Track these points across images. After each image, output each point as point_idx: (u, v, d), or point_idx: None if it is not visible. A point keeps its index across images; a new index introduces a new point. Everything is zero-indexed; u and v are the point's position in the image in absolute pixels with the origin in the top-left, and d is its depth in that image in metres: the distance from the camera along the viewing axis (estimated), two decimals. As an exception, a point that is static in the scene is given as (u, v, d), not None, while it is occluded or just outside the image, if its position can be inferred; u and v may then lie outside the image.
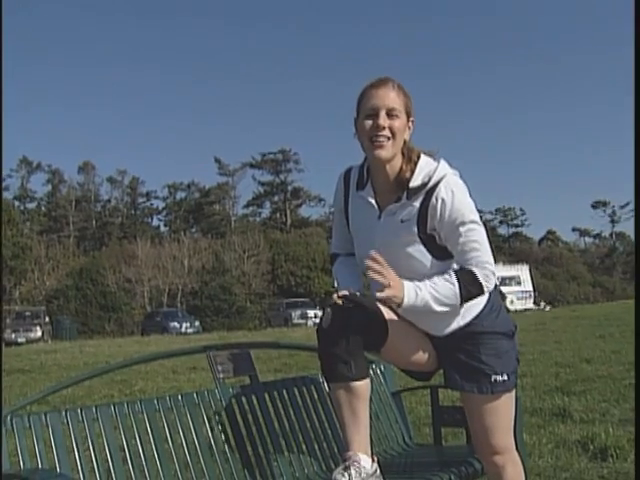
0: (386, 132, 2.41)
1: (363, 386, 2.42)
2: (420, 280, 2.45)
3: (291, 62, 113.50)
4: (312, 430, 2.99)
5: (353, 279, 2.66)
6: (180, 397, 2.65)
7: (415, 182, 2.44)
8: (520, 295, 42.44)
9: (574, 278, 67.20)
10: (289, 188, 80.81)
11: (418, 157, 2.49)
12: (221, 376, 2.77)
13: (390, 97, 2.43)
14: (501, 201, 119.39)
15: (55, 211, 77.81)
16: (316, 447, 2.94)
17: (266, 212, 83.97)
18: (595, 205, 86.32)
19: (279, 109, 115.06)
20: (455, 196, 2.41)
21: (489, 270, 2.44)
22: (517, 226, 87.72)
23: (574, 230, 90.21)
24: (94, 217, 79.82)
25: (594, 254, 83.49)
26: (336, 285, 2.64)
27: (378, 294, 2.33)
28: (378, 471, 2.38)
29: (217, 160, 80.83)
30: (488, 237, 2.51)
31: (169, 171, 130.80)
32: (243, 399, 2.83)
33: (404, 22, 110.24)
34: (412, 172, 2.45)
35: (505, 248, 78.67)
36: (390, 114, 2.42)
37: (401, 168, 2.48)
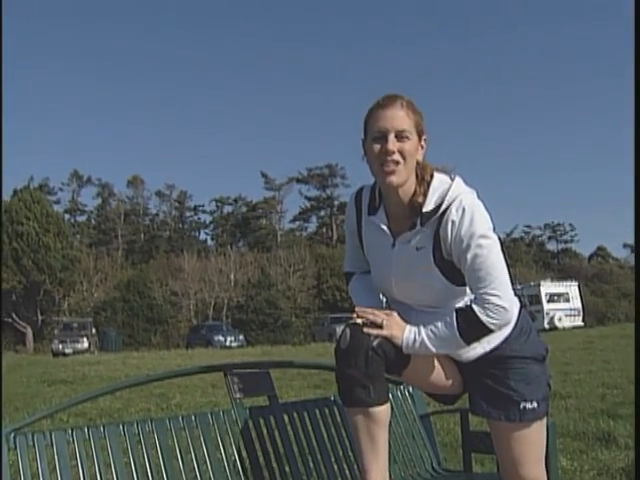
0: (396, 156, 2.25)
1: (382, 412, 2.28)
2: (445, 309, 2.33)
3: (339, 76, 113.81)
4: (333, 454, 2.85)
5: (372, 297, 2.52)
6: (194, 417, 2.54)
7: (428, 206, 2.28)
8: (569, 312, 41.63)
9: (625, 295, 65.69)
10: (335, 203, 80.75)
11: (431, 177, 2.32)
12: (238, 396, 2.66)
13: (399, 118, 2.26)
14: (550, 216, 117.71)
15: (104, 224, 79.03)
16: (337, 472, 2.81)
17: (312, 227, 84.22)
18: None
19: (326, 123, 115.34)
20: (465, 217, 2.23)
21: (493, 304, 2.22)
22: (566, 242, 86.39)
23: (625, 246, 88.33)
24: (142, 230, 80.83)
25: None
26: (354, 304, 2.50)
27: (374, 332, 2.24)
28: None
29: (264, 174, 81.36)
30: (506, 260, 2.31)
31: (216, 185, 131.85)
32: (260, 420, 2.71)
33: (447, 40, 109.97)
34: (425, 195, 2.29)
35: (554, 264, 77.51)
36: (400, 136, 2.26)
37: (415, 192, 2.31)
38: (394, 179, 2.26)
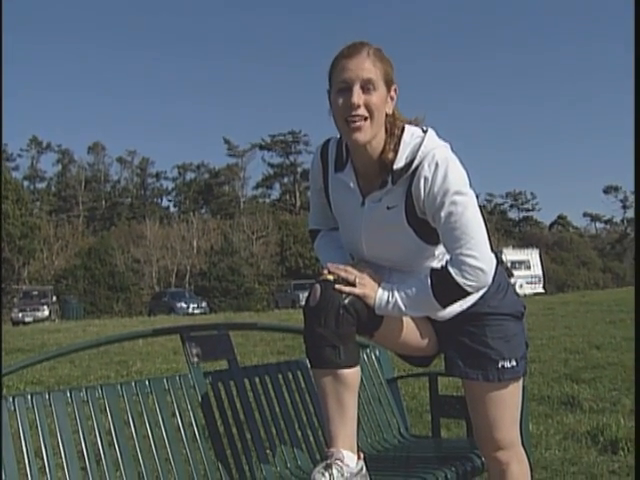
0: (362, 111, 2.05)
1: (352, 374, 2.12)
2: (419, 269, 2.20)
3: (301, 43, 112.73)
4: (297, 420, 2.70)
5: (339, 255, 2.36)
6: (148, 382, 2.37)
7: (399, 163, 2.10)
8: (530, 279, 42.15)
9: (584, 263, 66.76)
10: (299, 170, 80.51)
11: (402, 131, 2.13)
12: (195, 360, 2.50)
13: (364, 67, 2.05)
14: (512, 185, 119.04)
15: (65, 191, 77.86)
16: (300, 439, 2.67)
17: (275, 194, 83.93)
18: (607, 190, 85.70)
19: (289, 90, 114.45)
20: (438, 172, 2.06)
21: (469, 265, 2.07)
22: (528, 210, 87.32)
23: (585, 215, 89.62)
24: (103, 197, 79.82)
25: (605, 239, 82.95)
26: (321, 262, 2.34)
27: (347, 289, 2.10)
28: (364, 469, 2.12)
29: (226, 141, 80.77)
30: (485, 219, 2.14)
31: (179, 152, 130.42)
32: (219, 385, 2.55)
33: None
34: (396, 151, 2.11)
35: (515, 232, 78.32)
36: (366, 88, 2.05)
37: (384, 147, 2.13)
38: (360, 136, 2.07)
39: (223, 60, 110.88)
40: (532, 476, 3.47)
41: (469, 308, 2.28)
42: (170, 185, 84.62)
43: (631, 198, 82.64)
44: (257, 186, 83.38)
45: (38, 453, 2.05)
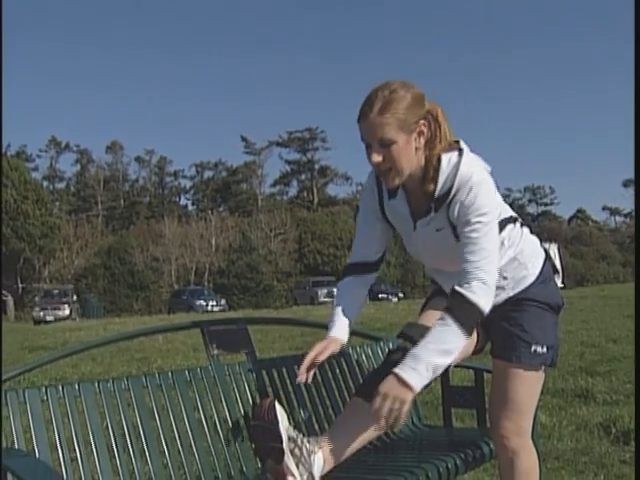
0: (384, 165, 2.25)
1: None
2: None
3: (317, 39, 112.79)
4: (314, 412, 2.83)
5: (351, 311, 2.52)
6: (170, 374, 2.51)
7: (440, 192, 2.30)
8: (548, 274, 42.03)
9: (604, 257, 66.35)
10: (316, 166, 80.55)
11: (439, 160, 2.30)
12: (215, 352, 2.63)
13: (376, 127, 2.21)
14: (530, 179, 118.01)
15: (84, 191, 78.32)
16: (318, 431, 2.78)
17: (293, 191, 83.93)
18: (626, 184, 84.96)
19: (306, 87, 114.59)
20: (470, 195, 2.25)
21: (478, 279, 2.23)
22: (546, 205, 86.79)
23: (604, 209, 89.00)
24: (122, 197, 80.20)
25: (624, 233, 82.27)
26: (330, 316, 2.52)
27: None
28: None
29: (244, 138, 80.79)
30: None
31: (196, 150, 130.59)
32: (238, 377, 2.68)
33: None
34: (436, 181, 2.30)
35: (534, 227, 77.29)
36: (382, 144, 2.22)
37: (425, 177, 2.32)
38: (391, 183, 2.30)
39: (239, 57, 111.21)
40: (544, 466, 3.59)
41: (515, 295, 2.47)
42: (188, 184, 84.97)
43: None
44: (275, 183, 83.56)
45: (70, 442, 2.18)
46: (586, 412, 5.30)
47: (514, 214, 2.55)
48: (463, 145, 2.33)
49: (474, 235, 2.25)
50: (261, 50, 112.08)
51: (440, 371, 2.21)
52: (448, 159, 2.30)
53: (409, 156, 2.26)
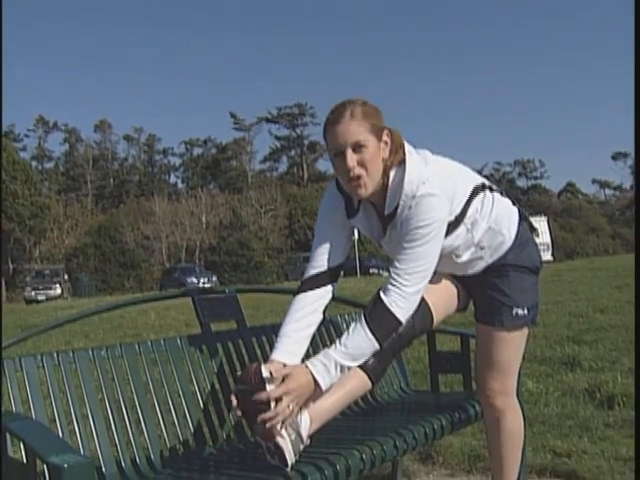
0: (358, 170, 2.25)
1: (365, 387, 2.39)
2: (471, 264, 2.52)
3: (306, 14, 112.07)
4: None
5: (301, 332, 2.36)
6: (163, 341, 2.57)
7: (388, 211, 2.35)
8: (538, 247, 42.08)
9: (593, 230, 66.69)
10: (305, 142, 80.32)
11: (387, 177, 2.34)
12: (206, 320, 2.69)
13: (350, 131, 2.23)
14: (520, 153, 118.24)
15: (73, 170, 77.93)
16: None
17: (283, 167, 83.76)
18: (615, 157, 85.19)
19: (294, 62, 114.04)
20: (410, 211, 2.28)
21: (400, 292, 2.27)
22: (536, 178, 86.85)
23: (594, 182, 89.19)
24: (112, 175, 79.88)
25: (614, 206, 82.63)
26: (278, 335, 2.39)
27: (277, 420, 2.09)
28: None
29: (233, 115, 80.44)
30: None
31: (185, 127, 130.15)
32: (229, 343, 2.75)
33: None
34: (384, 198, 2.35)
35: (524, 200, 78.07)
36: (356, 148, 2.24)
37: (380, 193, 2.35)
38: (362, 191, 2.29)
39: (226, 34, 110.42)
40: (530, 430, 3.68)
41: (493, 262, 2.52)
42: (177, 161, 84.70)
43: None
44: (264, 160, 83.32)
45: (67, 415, 2.23)
46: (572, 379, 5.39)
47: (483, 181, 2.57)
48: (408, 153, 2.35)
49: (407, 244, 2.28)
50: (249, 26, 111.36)
51: (346, 371, 2.24)
52: (394, 176, 2.33)
53: (379, 163, 2.30)
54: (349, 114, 2.24)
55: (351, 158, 2.24)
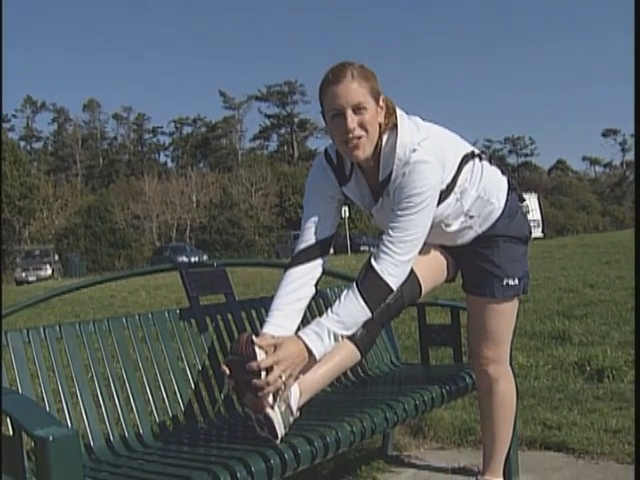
0: (357, 131, 2.23)
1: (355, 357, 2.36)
2: (463, 235, 2.50)
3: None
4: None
5: (293, 306, 2.32)
6: (151, 315, 2.54)
7: (382, 177, 2.33)
8: (529, 224, 42.19)
9: (584, 207, 66.92)
10: (295, 120, 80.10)
11: (380, 140, 2.32)
12: (194, 294, 2.67)
13: (352, 91, 2.20)
14: (510, 130, 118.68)
15: (62, 150, 77.60)
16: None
17: (273, 145, 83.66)
18: (606, 134, 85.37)
19: (284, 40, 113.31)
20: (403, 178, 2.26)
21: (392, 259, 2.25)
22: (526, 155, 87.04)
23: (584, 159, 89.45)
24: (101, 155, 79.60)
25: (604, 183, 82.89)
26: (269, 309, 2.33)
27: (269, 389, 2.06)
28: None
29: (222, 93, 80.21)
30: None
31: (175, 106, 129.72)
32: (218, 317, 2.73)
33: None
34: (378, 164, 2.33)
35: (514, 178, 78.09)
36: (357, 109, 2.21)
37: (379, 154, 2.33)
38: (359, 153, 2.27)
39: (215, 11, 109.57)
40: (521, 403, 3.68)
41: (482, 232, 2.51)
42: (167, 140, 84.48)
43: (630, 141, 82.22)
44: (254, 138, 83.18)
45: (55, 393, 2.21)
46: (562, 352, 5.41)
47: (473, 149, 2.54)
48: (399, 117, 2.33)
49: (400, 212, 2.26)
50: (239, 4, 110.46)
51: (340, 340, 2.23)
52: (387, 140, 2.31)
53: (377, 127, 2.28)
54: (350, 74, 2.22)
55: (352, 119, 2.22)
